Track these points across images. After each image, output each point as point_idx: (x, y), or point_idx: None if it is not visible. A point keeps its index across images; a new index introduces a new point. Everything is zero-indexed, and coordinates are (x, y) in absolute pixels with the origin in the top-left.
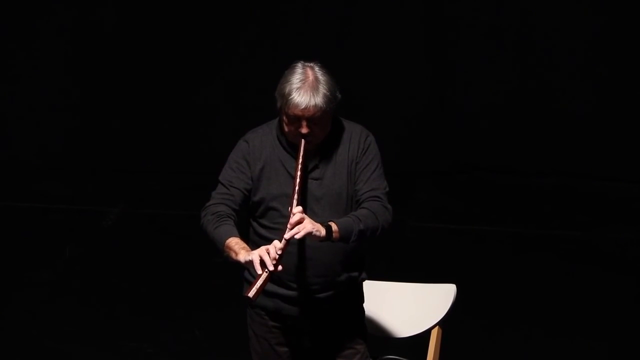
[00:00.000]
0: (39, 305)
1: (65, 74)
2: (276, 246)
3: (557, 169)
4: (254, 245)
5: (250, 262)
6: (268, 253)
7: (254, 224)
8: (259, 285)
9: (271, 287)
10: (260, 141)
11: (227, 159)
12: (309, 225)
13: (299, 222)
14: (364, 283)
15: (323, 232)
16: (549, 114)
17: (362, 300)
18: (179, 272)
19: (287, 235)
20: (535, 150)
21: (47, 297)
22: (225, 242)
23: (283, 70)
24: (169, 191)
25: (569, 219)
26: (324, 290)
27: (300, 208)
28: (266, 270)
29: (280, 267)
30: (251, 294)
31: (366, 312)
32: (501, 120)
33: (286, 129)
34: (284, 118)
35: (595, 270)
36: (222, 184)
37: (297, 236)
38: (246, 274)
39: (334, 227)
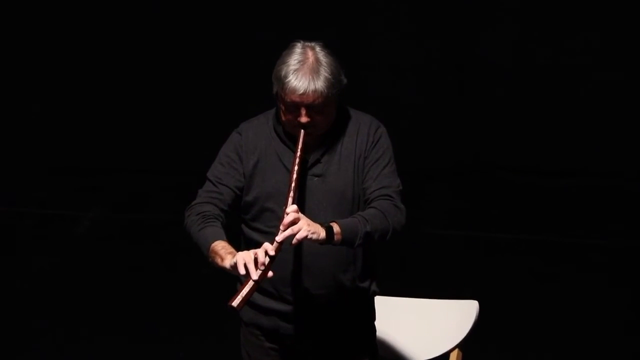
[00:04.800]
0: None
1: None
2: (267, 249)
3: (585, 168)
4: None
5: (235, 267)
6: (255, 257)
7: (246, 229)
8: (245, 292)
9: (267, 302)
10: (254, 132)
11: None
12: (305, 227)
13: (294, 222)
14: (375, 298)
15: (322, 234)
16: (574, 107)
17: (373, 318)
18: (161, 286)
19: (278, 238)
20: (561, 148)
21: (9, 315)
22: (210, 245)
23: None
24: (150, 193)
25: (599, 226)
26: (328, 305)
27: (295, 207)
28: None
29: (270, 274)
30: (235, 303)
31: (377, 332)
32: (524, 115)
33: (283, 117)
34: (281, 105)
35: (628, 289)
36: (210, 180)
37: (293, 242)
38: (239, 285)
39: (336, 228)
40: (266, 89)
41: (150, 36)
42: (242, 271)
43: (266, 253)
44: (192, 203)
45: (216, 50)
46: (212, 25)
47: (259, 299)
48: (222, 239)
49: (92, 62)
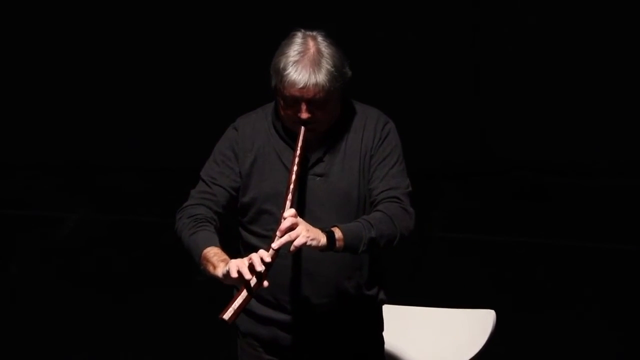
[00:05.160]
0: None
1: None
2: (262, 256)
3: (615, 167)
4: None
5: (229, 275)
6: (250, 264)
7: (244, 232)
8: (237, 305)
9: (265, 311)
10: (252, 128)
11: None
12: (304, 233)
13: (292, 228)
14: (383, 307)
15: (323, 240)
16: (606, 99)
17: (381, 328)
18: (152, 295)
19: (274, 245)
20: (590, 145)
21: None
22: (202, 252)
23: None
24: (141, 192)
25: (624, 230)
26: (331, 314)
27: (292, 211)
28: (246, 286)
29: (265, 283)
30: (227, 315)
31: (385, 343)
32: (548, 108)
33: (283, 113)
34: (280, 100)
35: None
36: (203, 180)
37: (290, 249)
38: (235, 292)
39: (338, 233)
40: (265, 82)
41: (145, 29)
42: (234, 275)
43: (261, 260)
44: (184, 205)
45: (213, 42)
46: (212, 19)
47: (256, 307)
48: (215, 245)
49: (83, 57)
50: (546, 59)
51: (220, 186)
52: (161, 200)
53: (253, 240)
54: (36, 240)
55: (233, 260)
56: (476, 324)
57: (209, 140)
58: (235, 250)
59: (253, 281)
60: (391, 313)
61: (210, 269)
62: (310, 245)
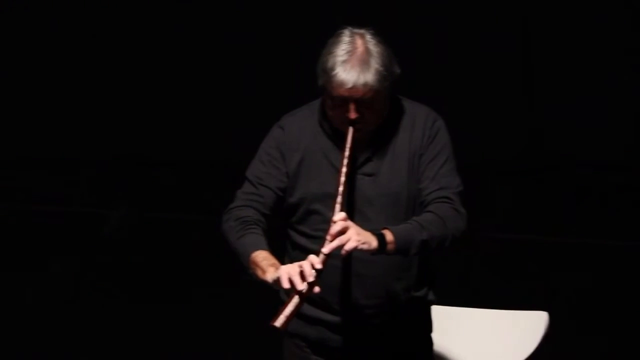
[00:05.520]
0: (16, 338)
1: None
2: (313, 262)
3: None
4: (293, 260)
5: (279, 282)
6: (301, 270)
7: (292, 232)
8: (288, 311)
9: (314, 311)
10: (298, 127)
11: (258, 148)
12: (355, 237)
13: (342, 232)
14: (432, 307)
15: (374, 243)
16: None
17: (430, 329)
18: (196, 294)
19: (325, 250)
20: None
21: (26, 326)
22: (250, 255)
23: None
24: (185, 189)
25: None
26: (379, 315)
27: (343, 214)
28: (298, 292)
29: (317, 289)
30: (278, 323)
31: (434, 345)
32: (600, 102)
33: (330, 113)
34: (328, 99)
35: None
36: (250, 181)
37: (341, 253)
38: (282, 295)
39: (389, 236)
40: (308, 79)
41: (189, 26)
42: (286, 285)
43: (312, 267)
44: (230, 206)
45: (256, 37)
46: (256, 13)
47: (304, 308)
48: (264, 249)
49: (127, 52)
50: (597, 51)
51: (267, 187)
52: (207, 197)
53: (302, 240)
54: (77, 238)
55: (284, 267)
56: (528, 326)
57: (251, 136)
58: (282, 249)
59: (304, 287)
60: (441, 314)
61: (259, 273)
62: (361, 250)
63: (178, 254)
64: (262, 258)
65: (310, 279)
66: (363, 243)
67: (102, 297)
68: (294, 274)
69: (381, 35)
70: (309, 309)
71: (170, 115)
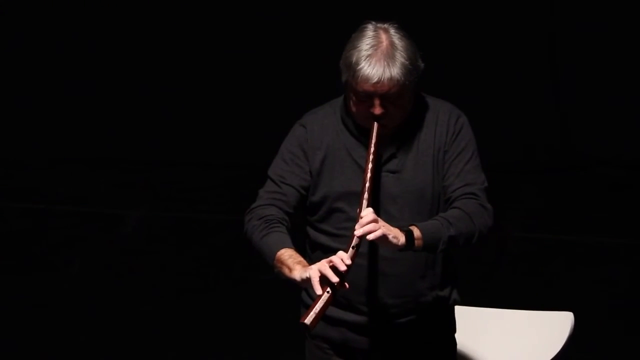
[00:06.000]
0: (34, 337)
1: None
2: (342, 258)
3: None
4: (312, 260)
5: (308, 280)
6: (331, 267)
7: (313, 231)
8: (318, 309)
9: (336, 312)
10: (320, 125)
11: (279, 147)
12: (383, 228)
13: (371, 222)
14: (455, 307)
15: (402, 239)
16: None
17: (454, 330)
18: (216, 293)
19: (357, 232)
20: None
21: (45, 326)
22: (275, 254)
23: None
24: (205, 189)
25: None
26: (403, 315)
27: (370, 210)
28: (328, 290)
29: (346, 285)
30: (308, 320)
31: (457, 345)
32: (633, 100)
33: (354, 109)
34: (351, 95)
35: None
36: (272, 180)
37: (369, 237)
38: (304, 295)
39: (417, 232)
40: (332, 77)
41: (211, 29)
42: (317, 289)
43: (342, 261)
44: (253, 206)
45: (279, 38)
46: (282, 14)
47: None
48: (289, 247)
49: (149, 52)
50: (628, 47)
51: (290, 185)
52: (228, 197)
53: (323, 239)
54: (97, 238)
55: (315, 265)
56: (553, 327)
57: (273, 135)
58: (301, 249)
59: (334, 278)
60: (465, 314)
61: (286, 271)
62: (390, 242)
63: (196, 254)
64: (288, 256)
65: (342, 269)
66: (393, 236)
67: (117, 297)
68: (325, 268)
69: (405, 30)
70: (331, 310)
71: (187, 116)
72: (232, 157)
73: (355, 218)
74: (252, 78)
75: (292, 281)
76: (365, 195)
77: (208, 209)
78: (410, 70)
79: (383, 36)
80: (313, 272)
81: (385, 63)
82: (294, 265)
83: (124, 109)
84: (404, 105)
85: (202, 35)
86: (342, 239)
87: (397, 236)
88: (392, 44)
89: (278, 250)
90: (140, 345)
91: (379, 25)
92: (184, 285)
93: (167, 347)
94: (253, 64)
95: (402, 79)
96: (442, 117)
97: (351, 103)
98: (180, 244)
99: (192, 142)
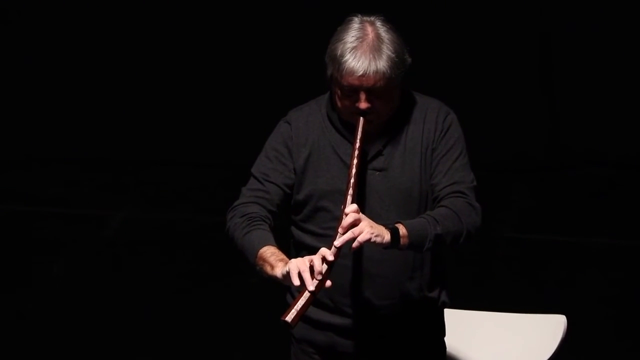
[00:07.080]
0: (12, 345)
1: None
2: (325, 255)
3: None
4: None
5: (288, 276)
6: (311, 265)
7: (297, 231)
8: (299, 306)
9: (322, 315)
10: (305, 122)
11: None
12: (367, 229)
13: (354, 224)
14: (445, 310)
15: (387, 237)
16: None
17: (443, 332)
18: (202, 296)
19: (337, 243)
20: None
21: (29, 329)
22: (258, 252)
23: None
24: (189, 189)
25: None
26: (391, 318)
27: (355, 206)
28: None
29: (328, 283)
30: (289, 317)
31: (447, 348)
32: (623, 99)
33: (339, 104)
34: (337, 90)
35: None
36: (256, 177)
37: (353, 245)
38: (289, 297)
39: (402, 230)
40: (317, 74)
41: (200, 27)
42: (296, 282)
43: (324, 260)
44: (235, 203)
45: (262, 36)
46: (266, 11)
47: (312, 311)
48: (271, 244)
49: (132, 51)
50: (620, 46)
51: (274, 183)
52: (212, 197)
53: (307, 239)
54: (79, 240)
55: (293, 261)
56: (545, 330)
57: (258, 134)
58: (286, 252)
59: (315, 281)
60: (456, 317)
61: (268, 269)
62: (374, 242)
63: (183, 255)
64: (271, 253)
65: (320, 277)
66: (376, 235)
67: (104, 299)
68: (304, 269)
69: (392, 23)
70: (317, 313)
71: (172, 116)
72: (222, 157)
73: (340, 217)
74: (243, 78)
75: (274, 279)
76: (350, 192)
77: (196, 210)
78: (397, 63)
79: (369, 29)
80: (292, 265)
81: (371, 56)
82: (276, 262)
83: (110, 108)
84: (390, 100)
85: (192, 34)
86: (328, 239)
87: (381, 234)
88: (378, 37)
89: (260, 247)
90: (128, 347)
91: (364, 18)
92: (172, 287)
93: (157, 348)
94: (243, 63)
95: (389, 72)
96: (430, 114)
97: (336, 98)
98: (168, 245)
99: (180, 142)
